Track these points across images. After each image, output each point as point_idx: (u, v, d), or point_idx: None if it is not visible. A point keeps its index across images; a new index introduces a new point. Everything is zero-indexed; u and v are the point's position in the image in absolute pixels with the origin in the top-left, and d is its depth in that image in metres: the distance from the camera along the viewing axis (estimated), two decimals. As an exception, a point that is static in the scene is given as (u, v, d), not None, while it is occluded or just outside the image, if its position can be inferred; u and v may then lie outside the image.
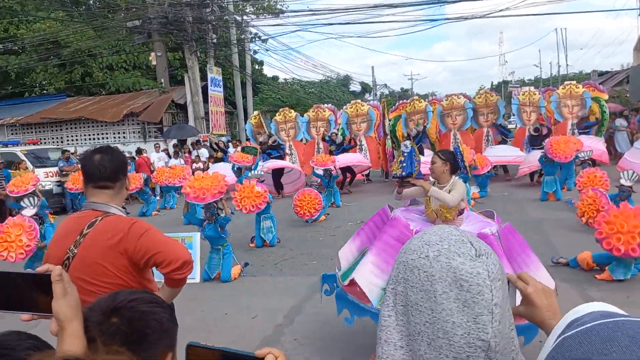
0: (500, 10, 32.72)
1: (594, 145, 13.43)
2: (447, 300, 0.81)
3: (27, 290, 1.10)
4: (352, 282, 3.92)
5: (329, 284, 4.55)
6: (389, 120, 16.59)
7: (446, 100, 16.60)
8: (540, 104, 15.55)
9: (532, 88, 16.99)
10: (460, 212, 4.22)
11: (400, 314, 0.86)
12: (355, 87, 50.41)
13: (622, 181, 7.91)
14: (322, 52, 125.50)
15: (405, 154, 4.50)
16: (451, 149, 16.22)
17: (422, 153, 13.57)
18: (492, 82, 69.29)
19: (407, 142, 4.59)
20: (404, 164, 4.47)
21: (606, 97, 16.15)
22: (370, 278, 3.90)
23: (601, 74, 32.74)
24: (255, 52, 30.88)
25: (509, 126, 17.05)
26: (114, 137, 21.05)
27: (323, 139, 16.44)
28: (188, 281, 2.34)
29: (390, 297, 0.89)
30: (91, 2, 29.16)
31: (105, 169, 2.24)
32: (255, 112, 19.19)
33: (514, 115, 16.60)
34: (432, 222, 4.25)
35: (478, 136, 16.08)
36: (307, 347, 4.58)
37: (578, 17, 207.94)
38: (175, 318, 1.28)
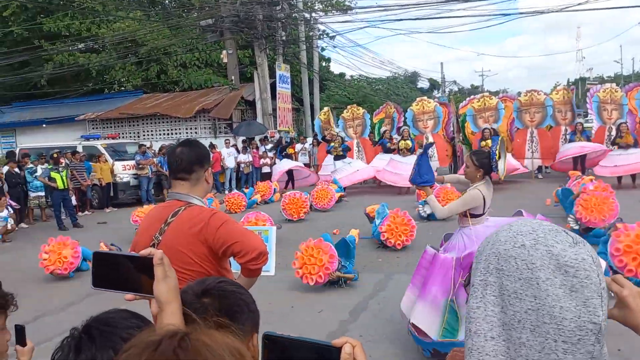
0: (578, 4, 31.04)
1: None
2: (552, 286, 0.81)
3: (131, 272, 1.17)
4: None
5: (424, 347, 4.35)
6: (459, 117, 16.24)
7: (525, 96, 15.87)
8: (622, 102, 14.68)
9: (614, 85, 15.95)
10: (473, 216, 4.17)
11: (491, 304, 0.86)
12: (423, 83, 49.71)
13: None
14: (390, 48, 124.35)
15: (417, 161, 4.47)
16: (526, 148, 15.47)
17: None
18: (568, 79, 66.17)
19: (423, 148, 4.58)
20: (414, 171, 4.43)
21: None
22: (426, 316, 4.15)
23: (690, 69, 30.54)
24: (322, 49, 31.08)
25: (586, 125, 16.13)
26: (187, 133, 21.76)
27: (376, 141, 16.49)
28: (263, 273, 2.41)
29: (478, 288, 0.89)
30: (167, 2, 30.32)
31: (181, 161, 2.33)
32: (326, 108, 19.35)
33: (591, 112, 15.71)
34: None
35: (555, 134, 15.39)
36: (371, 344, 4.58)
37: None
38: (256, 305, 1.33)
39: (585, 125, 16.21)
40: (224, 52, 23.03)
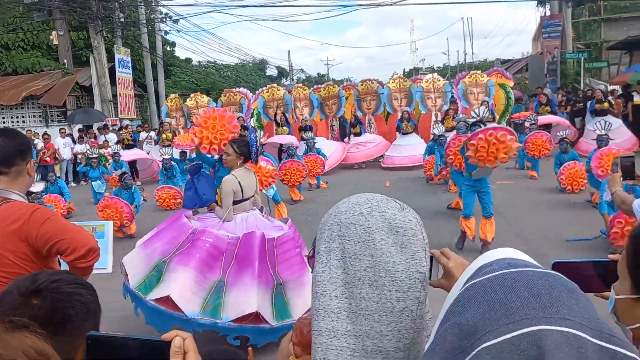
0: (410, -2, 33.62)
1: None
2: (386, 245, 0.94)
3: None
4: (166, 298, 3.97)
5: (136, 302, 4.29)
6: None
7: (361, 85, 17.04)
8: (445, 89, 16.25)
9: (436, 75, 17.67)
10: (235, 202, 4.46)
11: (335, 267, 0.96)
12: (271, 71, 50.06)
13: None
14: (237, 35, 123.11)
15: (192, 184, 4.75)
16: (347, 132, 16.53)
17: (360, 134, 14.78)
18: (404, 69, 71.29)
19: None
20: (191, 194, 4.74)
21: (511, 84, 16.96)
22: (187, 295, 3.99)
23: (503, 61, 34.73)
24: (166, 32, 29.74)
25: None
26: (12, 122, 19.64)
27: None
28: (98, 271, 2.29)
29: (323, 255, 0.99)
30: (-19, -27, 26.73)
31: (0, 153, 2.12)
32: (173, 95, 18.78)
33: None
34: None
35: (392, 120, 16.57)
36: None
37: (483, 7, 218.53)
38: (98, 300, 1.25)
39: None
40: (54, 33, 21.07)
